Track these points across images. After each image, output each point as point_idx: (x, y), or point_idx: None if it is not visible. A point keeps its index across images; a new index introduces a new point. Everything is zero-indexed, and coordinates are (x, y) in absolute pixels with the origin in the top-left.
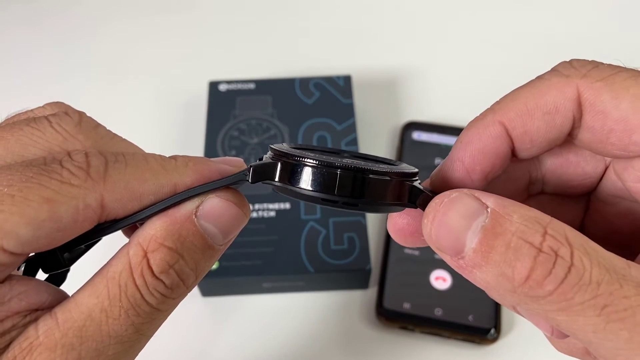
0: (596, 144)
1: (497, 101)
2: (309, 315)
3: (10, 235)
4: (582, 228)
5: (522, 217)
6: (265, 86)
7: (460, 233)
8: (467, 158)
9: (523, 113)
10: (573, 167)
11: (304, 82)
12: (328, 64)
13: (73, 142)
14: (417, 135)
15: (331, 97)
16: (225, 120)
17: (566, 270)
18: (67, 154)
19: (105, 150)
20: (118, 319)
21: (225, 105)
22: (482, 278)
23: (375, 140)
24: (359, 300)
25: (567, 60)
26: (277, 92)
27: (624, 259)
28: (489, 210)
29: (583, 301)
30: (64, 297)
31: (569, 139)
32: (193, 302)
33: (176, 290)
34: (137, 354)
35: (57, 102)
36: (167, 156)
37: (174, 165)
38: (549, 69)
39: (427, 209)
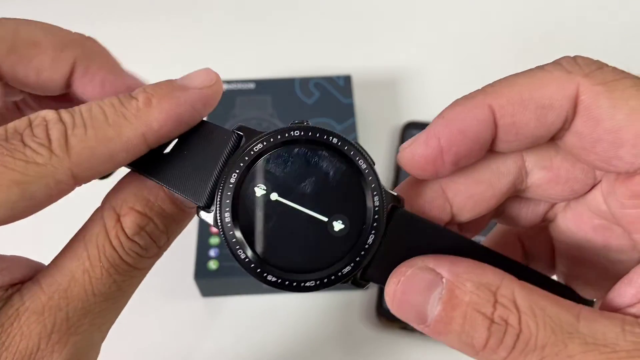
0: (580, 150)
1: (490, 84)
2: (309, 315)
3: None
4: (562, 230)
5: (474, 286)
6: (265, 86)
7: (421, 307)
8: (445, 135)
9: (516, 102)
10: (562, 181)
11: (304, 82)
12: (328, 64)
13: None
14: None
15: (331, 97)
16: (224, 120)
17: (515, 338)
18: (28, 124)
19: (63, 112)
20: (100, 278)
21: (225, 105)
22: (447, 342)
23: (375, 140)
24: (359, 300)
25: (572, 55)
26: (277, 92)
27: (575, 312)
28: (444, 280)
29: None
30: (40, 267)
31: (552, 142)
32: (193, 302)
33: (150, 250)
34: (120, 311)
35: None
36: (125, 96)
37: (136, 110)
38: (553, 62)
39: (386, 287)
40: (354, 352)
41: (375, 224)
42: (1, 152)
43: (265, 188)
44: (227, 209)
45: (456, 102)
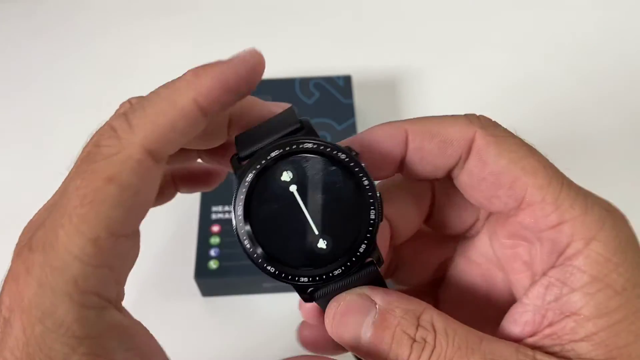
0: (469, 188)
1: (415, 117)
2: None
3: (110, 222)
4: (454, 268)
5: (402, 311)
6: (265, 86)
7: (356, 329)
8: (365, 143)
9: (426, 132)
10: (456, 210)
11: (304, 82)
12: (328, 64)
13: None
14: None
15: (331, 97)
16: None
17: (430, 352)
18: (97, 131)
19: (121, 108)
20: None
21: None
22: None
23: None
24: None
25: (478, 114)
26: (277, 92)
27: (479, 336)
28: (377, 307)
29: None
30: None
31: (451, 181)
32: (193, 302)
33: None
34: None
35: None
36: (176, 78)
37: (185, 82)
38: (462, 114)
39: (327, 310)
40: None
41: (348, 264)
42: (86, 163)
43: (291, 177)
44: (252, 174)
45: (379, 124)
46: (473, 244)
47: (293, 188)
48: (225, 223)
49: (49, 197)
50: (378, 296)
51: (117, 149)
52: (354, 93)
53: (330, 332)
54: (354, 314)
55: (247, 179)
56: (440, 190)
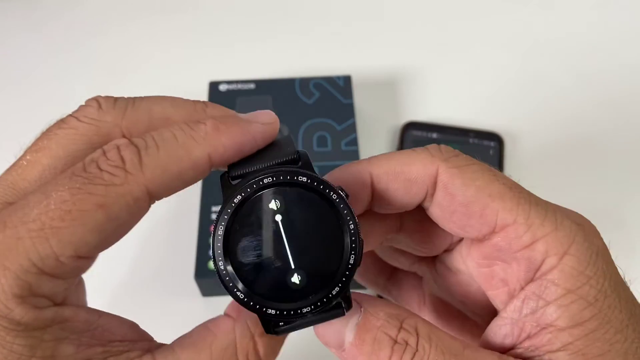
0: (442, 220)
1: (375, 156)
2: None
3: (81, 244)
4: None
5: (386, 315)
6: (265, 86)
7: (341, 331)
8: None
9: (390, 173)
10: (426, 235)
11: (304, 82)
12: (328, 64)
13: (104, 125)
14: (417, 134)
15: (331, 97)
16: None
17: (412, 354)
18: (102, 152)
19: (134, 138)
20: None
21: (226, 105)
22: None
23: (375, 140)
24: None
25: (438, 145)
26: (277, 92)
27: (463, 342)
28: (362, 309)
29: None
30: (137, 329)
31: (423, 211)
32: (193, 302)
33: None
34: None
35: (89, 99)
36: (194, 122)
37: (204, 134)
38: (423, 147)
39: None
40: None
41: (318, 304)
42: (82, 181)
43: (278, 206)
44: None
45: (345, 166)
46: (447, 258)
47: (278, 217)
48: None
49: None
50: (363, 300)
51: (120, 180)
52: (354, 93)
53: (317, 334)
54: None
55: (235, 200)
56: (408, 218)
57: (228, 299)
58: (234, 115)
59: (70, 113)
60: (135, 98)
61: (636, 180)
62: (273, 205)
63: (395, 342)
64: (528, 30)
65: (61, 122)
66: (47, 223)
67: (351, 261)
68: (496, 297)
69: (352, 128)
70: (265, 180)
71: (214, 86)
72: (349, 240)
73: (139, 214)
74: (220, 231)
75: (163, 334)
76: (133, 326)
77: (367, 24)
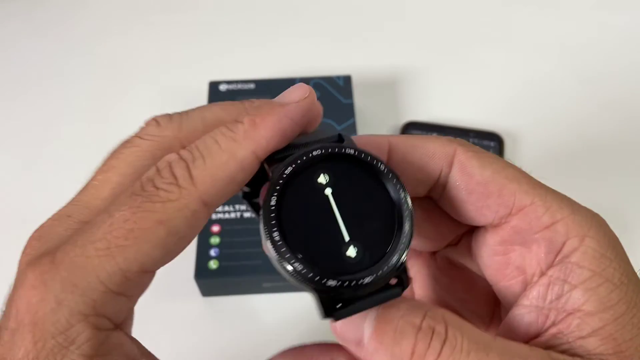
0: (457, 202)
1: (395, 135)
2: (309, 314)
3: (146, 259)
4: (434, 280)
5: (407, 305)
6: (265, 86)
7: (360, 325)
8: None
9: (408, 145)
10: (431, 231)
11: (304, 82)
12: (328, 64)
13: (165, 140)
14: (417, 134)
15: (331, 97)
16: None
17: (442, 342)
18: (156, 170)
19: (182, 151)
20: None
21: None
22: None
23: None
24: None
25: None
26: (277, 92)
27: (492, 335)
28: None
29: None
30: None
31: (430, 202)
32: (193, 302)
33: None
34: None
35: (147, 120)
36: (232, 122)
37: (244, 133)
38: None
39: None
40: None
41: (379, 273)
42: (142, 200)
43: (328, 180)
44: (286, 169)
45: (364, 134)
46: (452, 253)
47: (328, 191)
48: (225, 223)
49: (48, 197)
50: None
51: (175, 196)
52: (354, 93)
53: (334, 331)
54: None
55: (286, 171)
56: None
57: (228, 299)
58: (266, 103)
59: (133, 134)
60: (187, 110)
61: (637, 180)
62: (322, 179)
63: (420, 329)
64: (528, 30)
65: (126, 142)
66: (113, 242)
67: (407, 227)
68: (508, 288)
69: (352, 128)
70: (314, 153)
71: (214, 86)
72: (402, 208)
73: (198, 225)
74: (273, 202)
75: (163, 334)
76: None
77: (367, 24)
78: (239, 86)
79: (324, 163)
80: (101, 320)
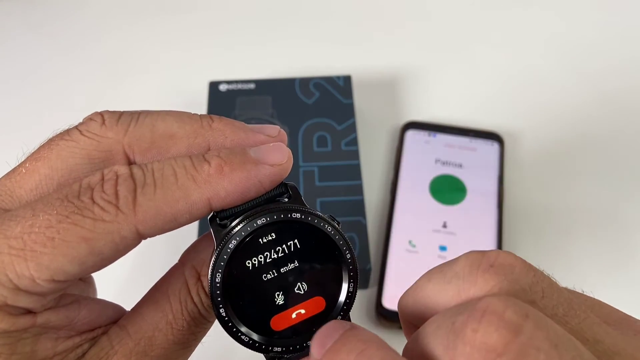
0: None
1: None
2: None
3: (58, 271)
4: None
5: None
6: (265, 86)
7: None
8: None
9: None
10: None
11: (304, 82)
12: (328, 64)
13: (106, 141)
14: (417, 135)
15: (331, 97)
16: None
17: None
18: (100, 180)
19: (135, 168)
20: (181, 329)
21: (226, 105)
22: None
23: (375, 140)
24: (359, 300)
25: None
26: (277, 92)
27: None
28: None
29: None
30: (122, 311)
31: None
32: None
33: None
34: (190, 354)
35: (93, 113)
36: (199, 159)
37: (207, 176)
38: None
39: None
40: None
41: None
42: (72, 210)
43: (274, 244)
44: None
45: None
46: None
47: (274, 256)
48: None
49: None
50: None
51: (110, 217)
52: (354, 93)
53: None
54: (332, 327)
55: (230, 246)
56: None
57: None
58: (241, 153)
59: (75, 125)
60: (140, 113)
61: (636, 180)
62: (269, 244)
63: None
64: (528, 30)
65: (64, 133)
66: (29, 245)
67: (350, 289)
68: None
69: (352, 128)
70: (259, 222)
71: (214, 86)
72: (346, 270)
73: (124, 250)
74: (219, 278)
75: None
76: (117, 309)
77: (367, 24)
78: (239, 86)
79: (270, 227)
80: (16, 309)
